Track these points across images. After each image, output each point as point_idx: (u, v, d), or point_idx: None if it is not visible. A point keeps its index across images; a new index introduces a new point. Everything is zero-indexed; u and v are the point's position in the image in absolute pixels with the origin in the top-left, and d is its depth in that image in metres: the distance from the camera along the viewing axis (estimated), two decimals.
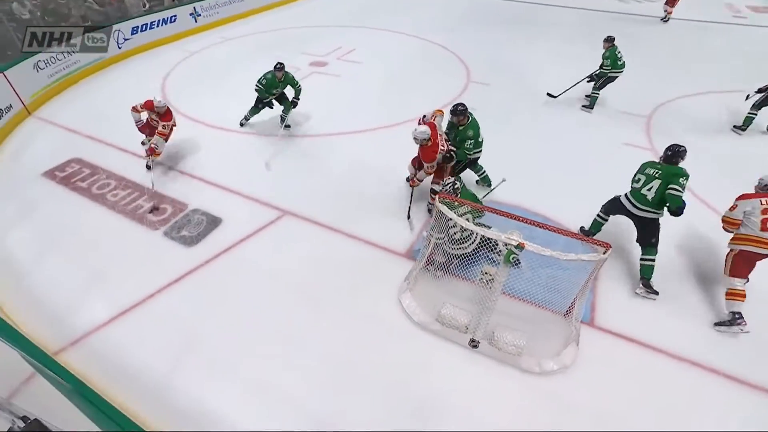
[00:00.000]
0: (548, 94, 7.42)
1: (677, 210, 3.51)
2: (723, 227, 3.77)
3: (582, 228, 4.43)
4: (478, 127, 4.61)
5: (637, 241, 3.94)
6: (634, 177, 3.90)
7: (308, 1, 13.94)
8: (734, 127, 6.64)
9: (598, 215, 4.25)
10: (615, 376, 3.26)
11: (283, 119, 6.27)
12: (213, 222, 4.60)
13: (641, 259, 3.89)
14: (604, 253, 3.02)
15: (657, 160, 3.90)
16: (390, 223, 4.61)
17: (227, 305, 3.74)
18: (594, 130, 6.59)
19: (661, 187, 3.64)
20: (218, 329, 3.54)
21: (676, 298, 3.86)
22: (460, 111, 4.51)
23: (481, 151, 4.76)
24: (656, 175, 3.69)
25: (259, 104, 6.19)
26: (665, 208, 3.67)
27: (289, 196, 4.98)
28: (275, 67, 5.80)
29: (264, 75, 5.90)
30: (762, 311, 3.68)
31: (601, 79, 6.96)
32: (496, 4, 13.93)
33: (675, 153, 3.76)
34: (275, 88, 5.99)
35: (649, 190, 3.71)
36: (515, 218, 3.24)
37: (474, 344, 3.36)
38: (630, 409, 3.07)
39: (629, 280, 4.01)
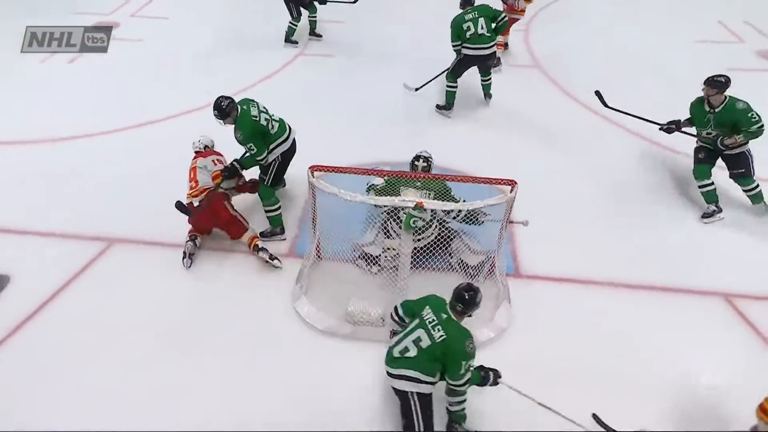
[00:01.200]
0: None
1: None
2: None
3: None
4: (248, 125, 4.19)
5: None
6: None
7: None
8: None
9: None
10: (555, 322, 3.83)
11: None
12: None
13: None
14: (511, 191, 3.46)
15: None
16: (260, 220, 4.67)
17: (46, 394, 3.50)
18: None
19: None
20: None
21: (597, 226, 4.68)
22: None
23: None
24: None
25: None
26: None
27: (114, 216, 4.82)
28: None
29: None
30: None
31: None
32: None
33: None
34: None
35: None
36: (409, 175, 3.56)
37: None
38: (580, 348, 3.65)
39: (542, 213, 4.54)
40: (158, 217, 4.74)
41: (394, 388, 3.04)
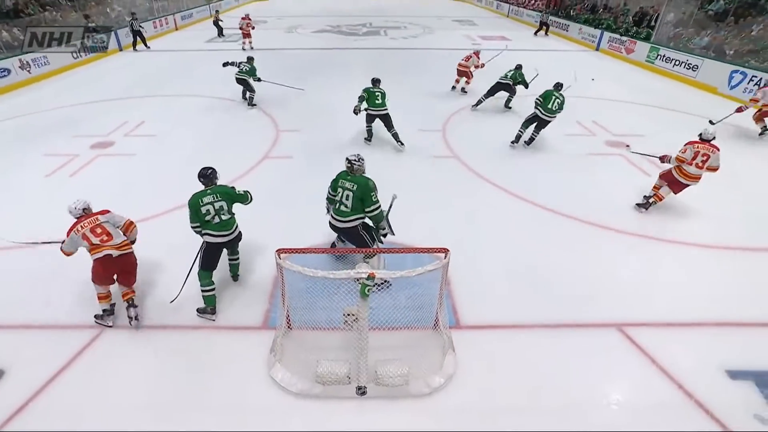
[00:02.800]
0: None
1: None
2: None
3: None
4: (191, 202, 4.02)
5: None
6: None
7: (69, 75, 12.66)
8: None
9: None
10: (497, 365, 3.66)
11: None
12: None
13: None
14: (445, 258, 3.41)
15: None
16: (235, 298, 4.34)
17: None
18: (404, 155, 7.55)
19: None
20: None
21: (515, 280, 4.61)
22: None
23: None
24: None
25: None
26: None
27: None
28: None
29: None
30: None
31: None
32: (287, 54, 14.98)
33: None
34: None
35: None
36: (358, 251, 3.41)
37: (361, 391, 3.36)
38: (516, 382, 3.50)
39: (471, 273, 4.60)
40: (155, 296, 4.35)
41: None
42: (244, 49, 15.38)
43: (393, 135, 7.52)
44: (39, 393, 3.42)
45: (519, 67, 9.24)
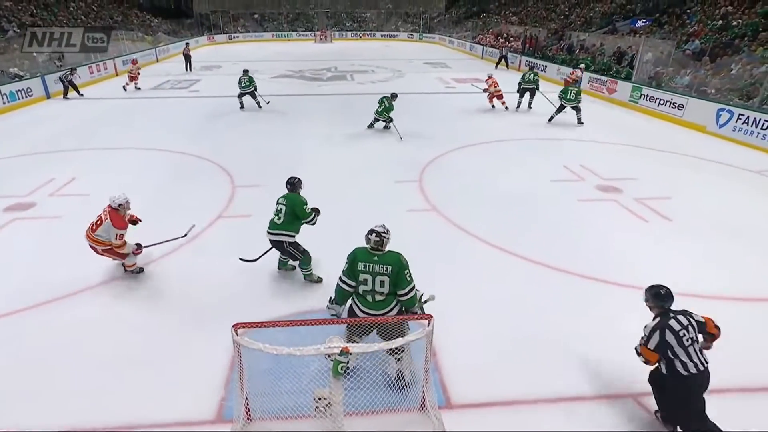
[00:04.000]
0: None
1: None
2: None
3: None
4: None
5: None
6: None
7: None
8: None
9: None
10: None
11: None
12: None
13: None
14: (428, 325, 3.33)
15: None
16: (183, 386, 4.09)
17: None
18: (378, 205, 7.63)
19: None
20: None
21: (516, 340, 4.57)
22: None
23: None
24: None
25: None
26: None
27: (15, 406, 3.90)
28: None
29: None
30: None
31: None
32: (245, 102, 15.34)
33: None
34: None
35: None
36: (326, 322, 3.33)
37: None
38: None
39: (461, 341, 4.54)
40: (87, 393, 4.01)
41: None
42: (125, 89, 17.19)
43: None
44: None
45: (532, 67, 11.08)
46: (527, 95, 14.34)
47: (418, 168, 9.29)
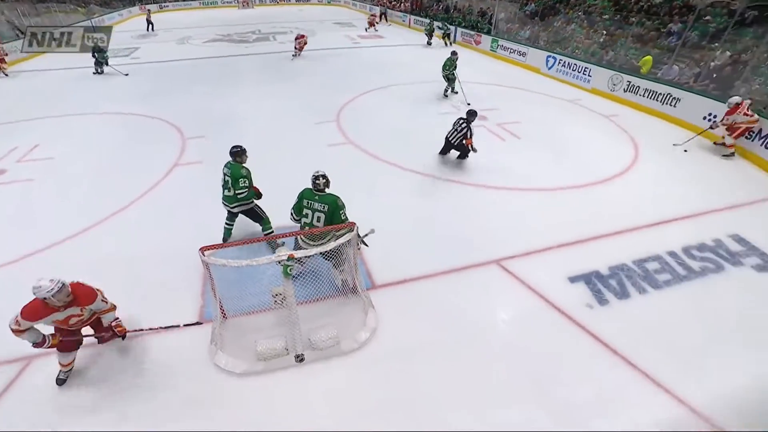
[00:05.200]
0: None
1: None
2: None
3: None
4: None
5: None
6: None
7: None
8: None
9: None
10: (409, 312, 3.78)
11: None
12: None
13: None
14: (353, 230, 3.37)
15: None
16: (168, 300, 3.90)
17: None
18: (303, 142, 7.30)
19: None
20: None
21: (410, 239, 4.76)
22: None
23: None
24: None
25: None
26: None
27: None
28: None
29: None
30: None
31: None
32: (183, 65, 13.45)
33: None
34: None
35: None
36: (274, 238, 3.25)
37: (300, 359, 3.28)
38: (430, 325, 3.65)
39: (378, 240, 4.56)
40: None
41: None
42: None
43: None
44: None
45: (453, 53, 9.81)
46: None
47: (335, 110, 8.83)
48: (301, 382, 3.18)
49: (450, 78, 9.64)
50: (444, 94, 9.77)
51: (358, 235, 3.70)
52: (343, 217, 3.62)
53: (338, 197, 3.69)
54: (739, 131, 6.69)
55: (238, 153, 4.25)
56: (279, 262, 2.96)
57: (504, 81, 11.47)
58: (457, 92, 9.72)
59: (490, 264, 4.37)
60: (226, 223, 4.53)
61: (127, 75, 11.76)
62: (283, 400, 3.06)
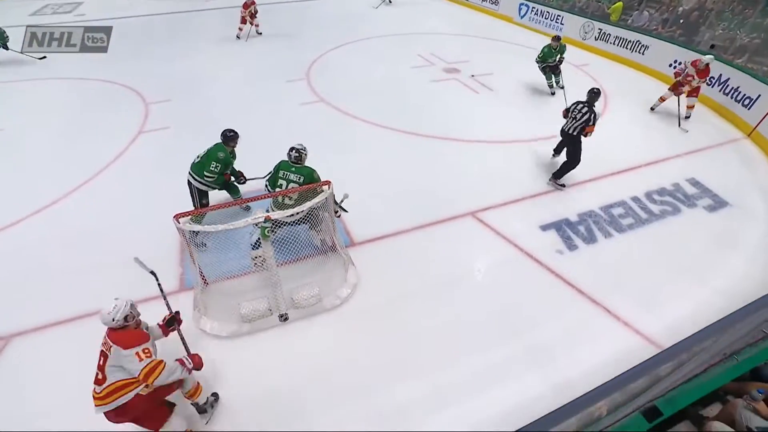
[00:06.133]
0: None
1: None
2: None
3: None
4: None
5: None
6: None
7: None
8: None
9: None
10: (388, 266, 3.88)
11: None
12: None
13: None
14: (328, 188, 3.34)
15: None
16: (143, 273, 3.83)
17: None
18: (275, 102, 7.00)
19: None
20: None
21: (388, 195, 4.77)
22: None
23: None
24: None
25: None
26: None
27: (3, 313, 3.49)
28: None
29: None
30: None
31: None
32: (133, 23, 12.33)
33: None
34: None
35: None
36: (249, 201, 3.19)
37: (284, 318, 3.35)
38: (410, 278, 3.78)
39: (354, 197, 4.54)
40: (60, 292, 3.63)
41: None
42: None
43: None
44: None
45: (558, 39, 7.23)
46: None
47: (305, 67, 8.41)
48: (287, 340, 3.27)
49: (552, 70, 7.17)
50: (551, 91, 7.35)
51: (335, 202, 3.67)
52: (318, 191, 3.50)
53: (314, 170, 3.63)
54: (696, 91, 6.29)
55: (227, 137, 3.97)
56: (256, 225, 2.93)
57: (475, 31, 11.12)
58: (563, 87, 6.99)
59: (465, 216, 4.46)
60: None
61: (44, 58, 8.87)
62: (271, 356, 3.15)
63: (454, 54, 9.17)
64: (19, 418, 2.80)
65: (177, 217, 3.05)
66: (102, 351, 2.32)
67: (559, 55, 7.03)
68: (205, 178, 3.92)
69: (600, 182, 5.05)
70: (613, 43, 9.03)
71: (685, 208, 4.66)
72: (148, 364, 2.25)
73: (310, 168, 3.65)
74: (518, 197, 4.76)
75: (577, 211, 4.57)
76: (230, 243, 3.80)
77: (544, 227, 4.35)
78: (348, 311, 3.48)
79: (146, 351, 2.28)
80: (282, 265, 3.40)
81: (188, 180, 4.00)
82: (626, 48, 8.75)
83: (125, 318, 2.34)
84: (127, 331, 2.34)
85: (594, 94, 4.58)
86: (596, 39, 9.42)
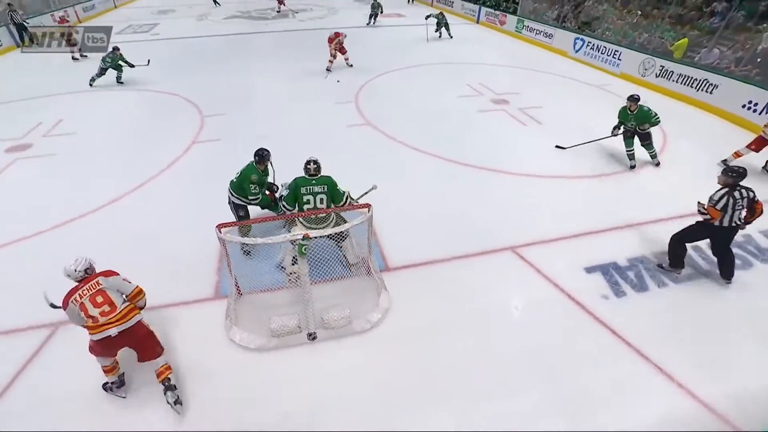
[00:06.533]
0: (557, 147, 6.40)
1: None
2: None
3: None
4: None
5: None
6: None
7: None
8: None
9: None
10: (422, 295, 3.81)
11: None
12: None
13: None
14: (368, 212, 3.39)
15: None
16: (184, 276, 4.02)
17: None
18: (323, 122, 7.28)
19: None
20: None
21: (432, 218, 4.76)
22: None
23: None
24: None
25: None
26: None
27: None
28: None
29: None
30: None
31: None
32: (200, 42, 13.50)
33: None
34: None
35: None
36: (288, 217, 3.30)
37: (312, 337, 3.36)
38: (443, 309, 3.67)
39: (393, 222, 4.64)
40: None
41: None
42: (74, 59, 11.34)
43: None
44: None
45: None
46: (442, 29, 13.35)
47: (354, 91, 8.78)
48: (314, 359, 3.26)
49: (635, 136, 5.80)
50: (630, 164, 5.93)
51: (352, 198, 3.93)
52: (341, 192, 3.78)
53: (330, 176, 3.79)
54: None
55: (262, 157, 4.03)
56: (293, 242, 3.01)
57: (528, 64, 11.12)
58: (658, 163, 5.96)
59: (505, 250, 4.34)
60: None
61: (148, 64, 9.57)
62: (297, 374, 3.15)
63: (504, 85, 9.21)
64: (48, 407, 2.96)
65: (219, 226, 3.20)
66: (92, 294, 2.72)
67: (636, 122, 5.58)
68: (249, 198, 4.03)
69: (654, 226, 4.75)
70: (676, 81, 8.69)
71: (757, 263, 4.28)
72: (137, 286, 2.93)
73: (328, 176, 3.79)
74: (562, 235, 4.58)
75: (627, 255, 4.32)
76: (267, 256, 3.92)
77: (589, 269, 4.14)
78: (378, 336, 3.44)
79: (125, 279, 2.90)
80: (316, 283, 3.45)
81: (228, 197, 4.15)
82: (691, 86, 8.38)
83: (85, 270, 2.81)
84: (92, 275, 2.82)
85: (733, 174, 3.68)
86: (657, 76, 9.12)
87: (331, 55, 10.06)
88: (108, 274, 2.88)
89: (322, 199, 3.71)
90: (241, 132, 6.96)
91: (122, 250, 4.30)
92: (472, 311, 3.68)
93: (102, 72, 9.17)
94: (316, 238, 3.29)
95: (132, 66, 9.27)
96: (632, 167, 5.88)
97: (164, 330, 3.48)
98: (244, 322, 3.49)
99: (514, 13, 14.88)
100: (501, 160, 6.07)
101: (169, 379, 2.87)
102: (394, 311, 3.63)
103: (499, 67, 10.94)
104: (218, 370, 3.19)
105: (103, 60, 9.10)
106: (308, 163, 3.76)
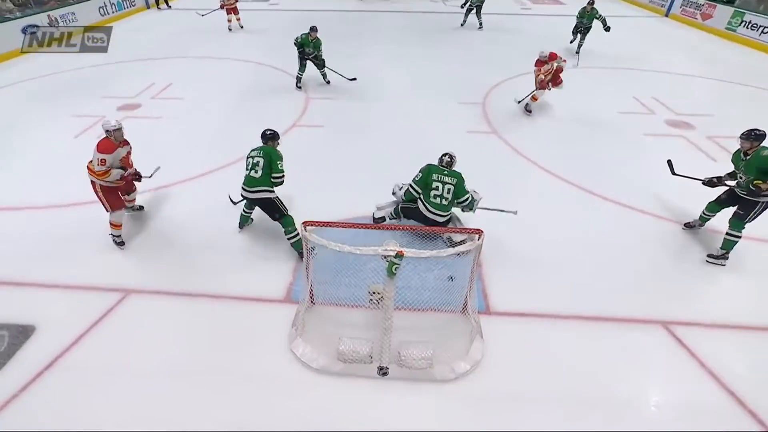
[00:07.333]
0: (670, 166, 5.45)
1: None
2: None
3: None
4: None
5: None
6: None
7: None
8: None
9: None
10: (528, 355, 3.69)
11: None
12: (21, 333, 3.88)
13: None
14: (478, 239, 3.41)
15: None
16: (258, 269, 4.51)
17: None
18: (440, 123, 7.53)
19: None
20: None
21: (556, 261, 4.60)
22: None
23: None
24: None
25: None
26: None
27: (128, 270, 4.52)
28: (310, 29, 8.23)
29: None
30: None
31: None
32: (321, 17, 14.92)
33: None
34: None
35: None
36: (386, 228, 3.48)
37: (383, 372, 3.48)
38: (551, 380, 3.51)
39: (507, 257, 4.60)
40: (179, 262, 4.61)
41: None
42: (230, 29, 13.39)
43: None
44: (66, 351, 3.70)
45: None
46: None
47: (483, 91, 8.90)
48: (378, 397, 3.37)
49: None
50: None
51: (474, 201, 4.74)
52: (466, 189, 4.64)
53: (461, 173, 4.65)
54: None
55: (271, 137, 4.68)
56: (385, 257, 3.18)
57: (736, 76, 10.00)
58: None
59: (654, 324, 3.98)
60: (244, 211, 5.02)
61: (354, 80, 9.22)
62: (356, 410, 3.29)
63: (690, 103, 8.43)
64: (119, 372, 3.56)
65: (306, 223, 3.49)
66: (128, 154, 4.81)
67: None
68: (277, 179, 4.49)
69: None
70: None
71: None
72: (102, 169, 4.38)
73: (459, 172, 4.64)
74: (744, 323, 4.04)
75: None
76: (351, 268, 4.14)
77: None
78: (459, 391, 3.41)
79: (102, 161, 4.35)
80: (399, 309, 3.58)
81: (247, 197, 4.60)
82: None
83: (107, 131, 4.45)
84: (103, 140, 4.44)
85: None
86: None
87: (538, 84, 7.81)
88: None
89: (449, 189, 4.58)
90: (347, 120, 7.55)
91: (201, 228, 5.00)
92: (588, 390, 3.44)
93: (302, 65, 8.84)
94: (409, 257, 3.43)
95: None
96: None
97: (226, 324, 3.95)
98: (311, 335, 3.76)
99: (729, 2, 13.31)
100: (667, 202, 5.57)
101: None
102: (486, 366, 3.57)
103: (687, 77, 10.03)
104: (271, 383, 3.47)
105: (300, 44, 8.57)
106: (444, 155, 4.76)
